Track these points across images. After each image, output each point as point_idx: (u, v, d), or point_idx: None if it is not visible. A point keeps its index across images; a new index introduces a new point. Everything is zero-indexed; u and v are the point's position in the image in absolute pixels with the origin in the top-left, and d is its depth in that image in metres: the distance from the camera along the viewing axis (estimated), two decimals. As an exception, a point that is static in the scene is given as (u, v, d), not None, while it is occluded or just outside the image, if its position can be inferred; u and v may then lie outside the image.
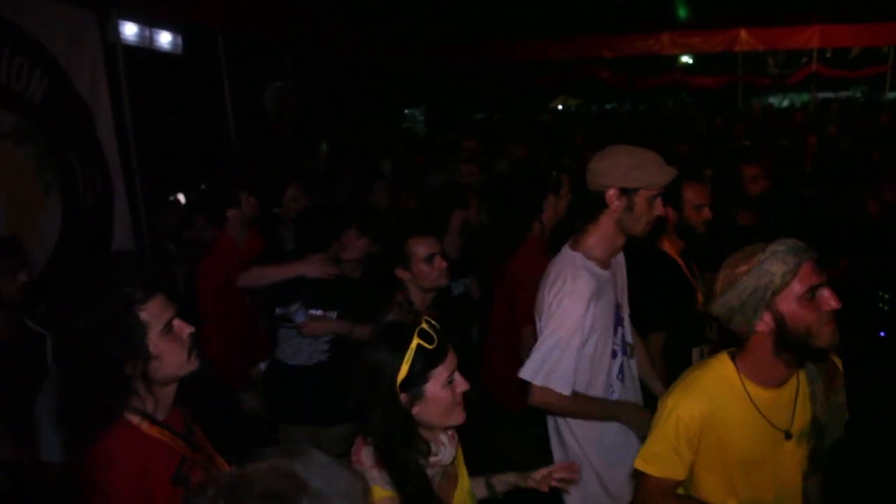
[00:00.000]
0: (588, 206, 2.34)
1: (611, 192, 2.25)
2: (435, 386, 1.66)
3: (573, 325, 2.22)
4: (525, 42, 13.64)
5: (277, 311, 3.24)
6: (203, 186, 5.97)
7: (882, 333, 4.80)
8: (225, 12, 6.64)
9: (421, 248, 2.81)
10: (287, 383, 3.30)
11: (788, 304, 1.67)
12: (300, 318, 3.15)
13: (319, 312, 3.21)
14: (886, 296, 4.91)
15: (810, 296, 1.66)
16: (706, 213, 3.11)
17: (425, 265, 2.79)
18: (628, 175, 2.22)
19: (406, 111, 16.50)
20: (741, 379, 1.81)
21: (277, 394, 3.38)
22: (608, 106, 17.89)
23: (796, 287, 1.66)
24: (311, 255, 3.27)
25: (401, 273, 2.83)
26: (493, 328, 3.79)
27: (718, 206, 3.35)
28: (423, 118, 16.63)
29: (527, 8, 10.88)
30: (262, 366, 3.67)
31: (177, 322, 1.64)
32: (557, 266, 2.37)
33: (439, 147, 8.57)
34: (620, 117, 15.52)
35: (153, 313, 1.58)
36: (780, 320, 1.68)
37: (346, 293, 3.30)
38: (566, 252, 2.39)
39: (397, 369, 1.63)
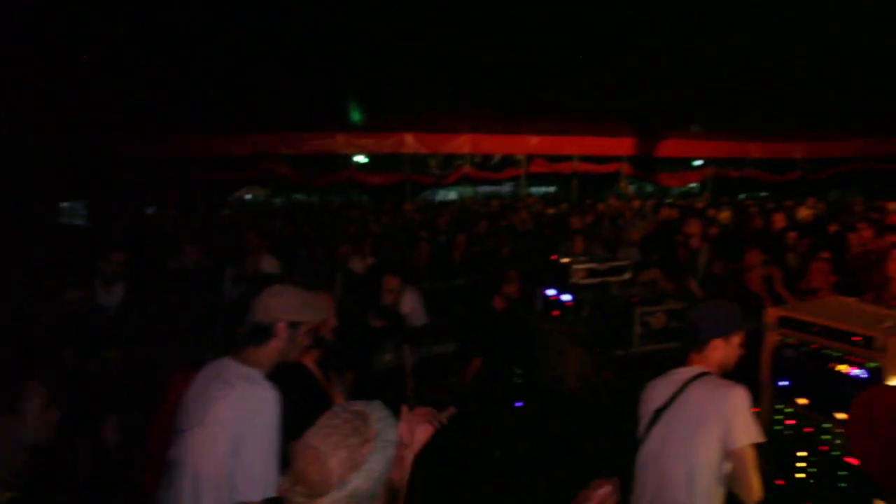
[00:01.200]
0: (258, 332, 2.54)
1: (281, 325, 2.52)
2: None
3: None
4: (205, 136, 13.55)
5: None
6: None
7: (518, 403, 5.59)
8: None
9: None
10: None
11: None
12: None
13: None
14: (519, 371, 5.76)
15: None
16: (331, 321, 3.36)
17: None
18: (296, 312, 2.55)
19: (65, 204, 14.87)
20: None
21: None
22: (297, 196, 18.43)
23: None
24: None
25: None
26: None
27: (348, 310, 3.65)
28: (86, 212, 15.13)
29: (207, 102, 10.83)
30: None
31: None
32: (230, 379, 2.44)
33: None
34: (311, 209, 16.16)
35: None
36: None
37: None
38: (236, 366, 2.48)
39: None
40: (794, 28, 7.01)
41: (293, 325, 2.55)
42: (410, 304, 5.42)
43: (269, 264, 6.58)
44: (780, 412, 3.19)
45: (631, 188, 19.16)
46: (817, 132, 16.89)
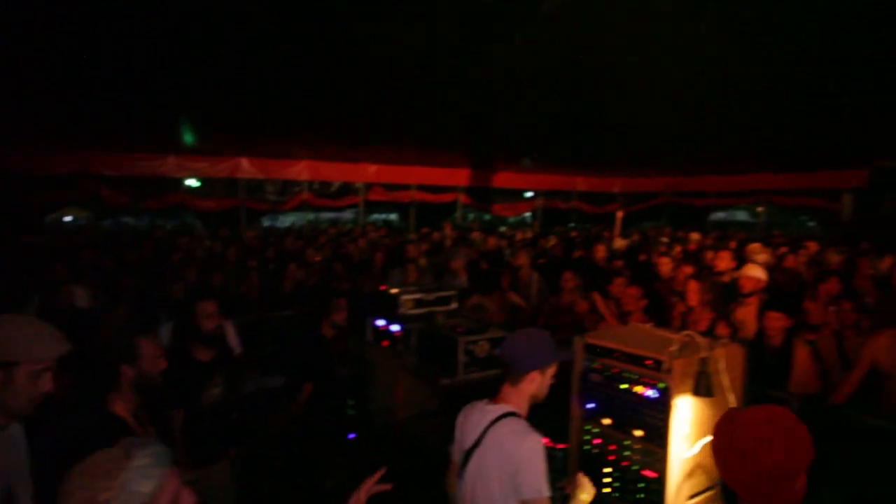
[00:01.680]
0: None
1: None
2: None
3: None
4: (20, 151, 12.27)
5: None
6: None
7: (351, 435, 5.54)
8: None
9: None
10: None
11: None
12: None
13: None
14: (352, 402, 5.73)
15: None
16: (162, 362, 3.17)
17: None
18: (8, 348, 2.12)
19: None
20: None
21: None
22: (126, 219, 17.22)
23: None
24: None
25: None
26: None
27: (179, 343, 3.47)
28: None
29: (24, 117, 9.82)
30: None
31: None
32: None
33: None
34: (138, 234, 15.07)
35: None
36: None
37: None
38: None
39: None
40: (614, 77, 7.72)
41: (4, 366, 2.11)
42: (232, 336, 5.24)
43: (80, 296, 6.06)
44: (588, 432, 3.40)
45: (470, 217, 19.86)
46: (634, 169, 18.53)
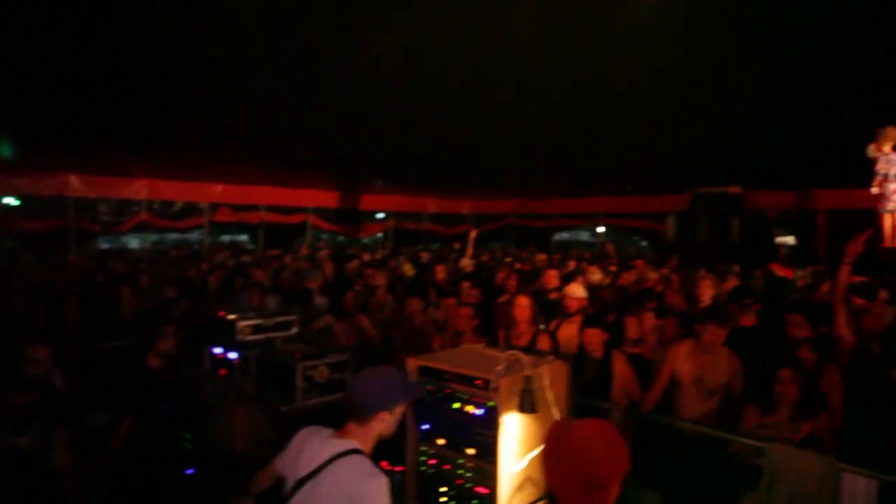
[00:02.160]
0: None
1: None
2: None
3: None
4: None
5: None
6: None
7: (189, 471, 5.23)
8: None
9: None
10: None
11: None
12: None
13: None
14: (189, 436, 5.41)
15: None
16: None
17: None
18: None
19: None
20: None
21: None
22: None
23: None
24: None
25: None
26: None
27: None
28: None
29: None
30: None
31: None
32: None
33: None
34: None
35: None
36: None
37: None
38: None
39: None
40: (458, 106, 7.99)
41: None
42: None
43: None
44: (424, 453, 3.43)
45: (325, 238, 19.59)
46: (482, 191, 19.21)
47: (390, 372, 2.89)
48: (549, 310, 6.83)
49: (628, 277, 9.25)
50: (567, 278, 8.54)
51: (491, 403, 3.04)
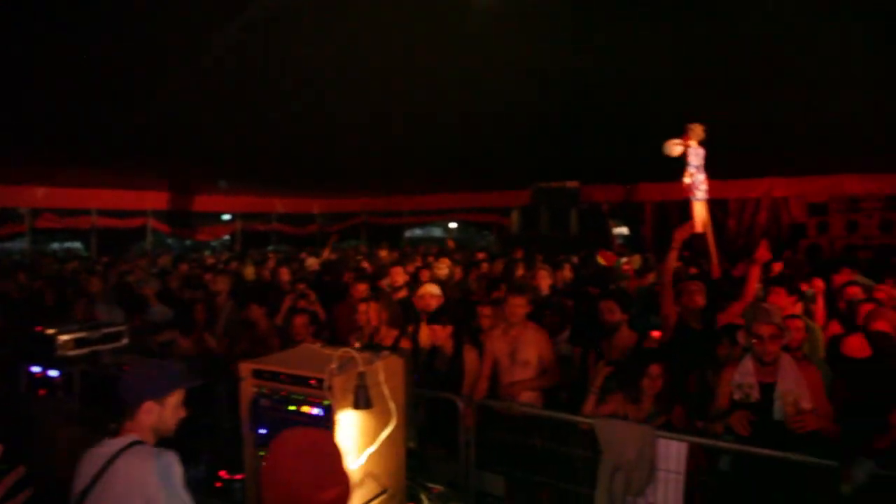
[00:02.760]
0: None
1: None
2: None
3: None
4: None
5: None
6: None
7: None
8: None
9: None
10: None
11: None
12: None
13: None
14: (4, 467, 4.91)
15: None
16: None
17: None
18: None
19: None
20: None
21: None
22: None
23: None
24: None
25: None
26: None
27: None
28: None
29: None
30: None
31: None
32: None
33: None
34: None
35: None
36: None
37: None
38: None
39: None
40: (297, 104, 7.87)
41: None
42: None
43: None
44: (263, 458, 3.36)
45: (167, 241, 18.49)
46: (332, 190, 19.01)
47: (156, 364, 2.97)
48: (402, 310, 6.91)
49: (477, 272, 9.52)
50: (415, 275, 8.69)
51: (326, 402, 3.04)
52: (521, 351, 5.28)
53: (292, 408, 3.18)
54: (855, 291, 6.78)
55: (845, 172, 13.57)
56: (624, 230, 17.04)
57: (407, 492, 3.71)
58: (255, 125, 8.90)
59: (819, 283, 6.90)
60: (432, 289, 6.62)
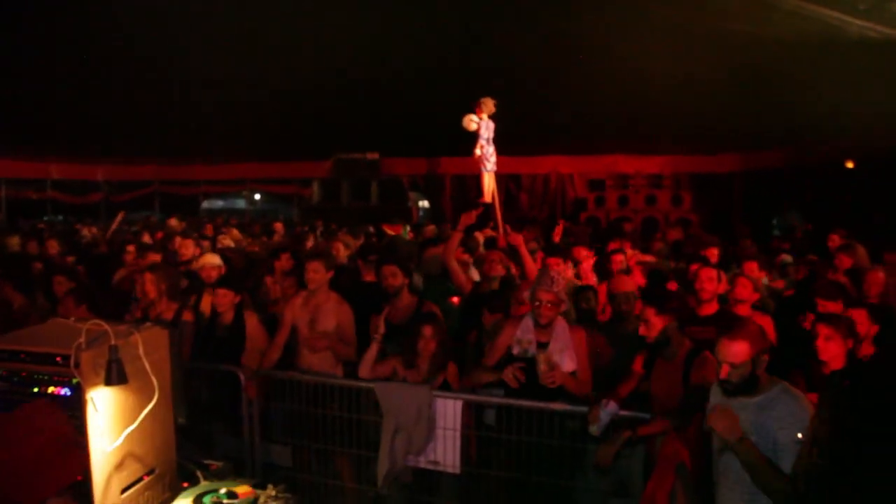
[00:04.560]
0: None
1: None
2: None
3: None
4: None
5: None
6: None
7: None
8: None
9: None
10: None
11: None
12: None
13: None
14: None
15: None
16: None
17: None
18: None
19: None
20: None
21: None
22: None
23: None
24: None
25: None
26: None
27: None
28: None
29: None
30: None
31: None
32: None
33: None
34: None
35: None
36: None
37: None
38: None
39: None
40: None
41: None
42: None
43: None
44: None
45: None
46: (119, 156, 17.45)
47: None
48: (191, 281, 6.55)
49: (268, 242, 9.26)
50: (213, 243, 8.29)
51: (75, 381, 2.78)
52: (320, 321, 5.23)
53: (37, 390, 2.88)
54: (620, 259, 7.52)
55: (619, 153, 15.08)
56: (424, 203, 17.48)
57: (181, 470, 3.53)
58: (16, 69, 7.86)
59: (582, 252, 7.53)
60: (212, 259, 6.35)
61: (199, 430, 4.73)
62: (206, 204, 20.94)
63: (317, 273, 5.23)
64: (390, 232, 10.27)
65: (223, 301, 5.26)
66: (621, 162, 15.23)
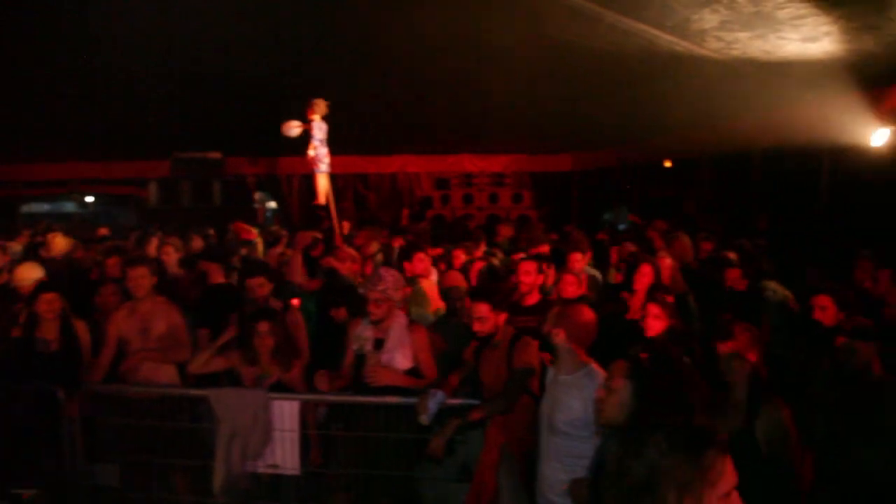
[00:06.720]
0: None
1: None
2: None
3: None
4: None
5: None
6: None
7: None
8: None
9: None
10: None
11: None
12: None
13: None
14: None
15: None
16: None
17: None
18: None
19: None
20: None
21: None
22: None
23: None
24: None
25: None
26: None
27: None
28: None
29: None
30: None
31: None
32: None
33: None
34: None
35: None
36: None
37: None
38: None
39: None
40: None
41: None
42: None
43: None
44: None
45: None
46: None
47: None
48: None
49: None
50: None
51: None
52: (153, 327, 5.12)
53: None
54: (458, 254, 7.83)
55: (464, 152, 15.56)
56: (272, 204, 17.02)
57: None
58: None
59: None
60: (27, 272, 5.91)
61: (23, 456, 4.43)
62: (25, 208, 19.08)
63: (143, 279, 5.10)
64: (244, 234, 9.94)
65: (52, 307, 4.92)
66: (466, 161, 15.73)
